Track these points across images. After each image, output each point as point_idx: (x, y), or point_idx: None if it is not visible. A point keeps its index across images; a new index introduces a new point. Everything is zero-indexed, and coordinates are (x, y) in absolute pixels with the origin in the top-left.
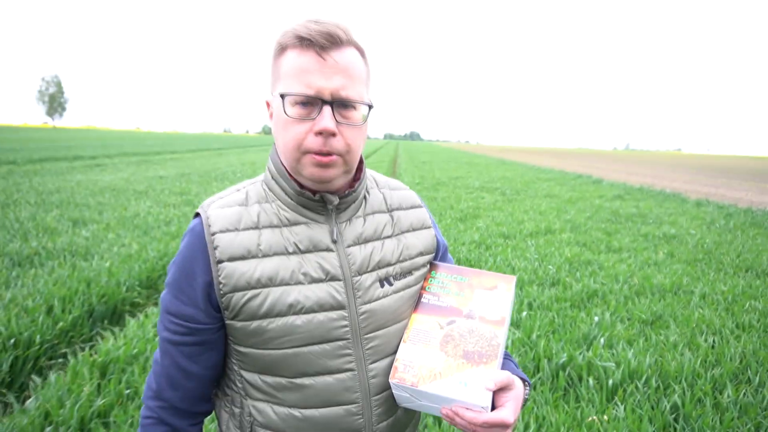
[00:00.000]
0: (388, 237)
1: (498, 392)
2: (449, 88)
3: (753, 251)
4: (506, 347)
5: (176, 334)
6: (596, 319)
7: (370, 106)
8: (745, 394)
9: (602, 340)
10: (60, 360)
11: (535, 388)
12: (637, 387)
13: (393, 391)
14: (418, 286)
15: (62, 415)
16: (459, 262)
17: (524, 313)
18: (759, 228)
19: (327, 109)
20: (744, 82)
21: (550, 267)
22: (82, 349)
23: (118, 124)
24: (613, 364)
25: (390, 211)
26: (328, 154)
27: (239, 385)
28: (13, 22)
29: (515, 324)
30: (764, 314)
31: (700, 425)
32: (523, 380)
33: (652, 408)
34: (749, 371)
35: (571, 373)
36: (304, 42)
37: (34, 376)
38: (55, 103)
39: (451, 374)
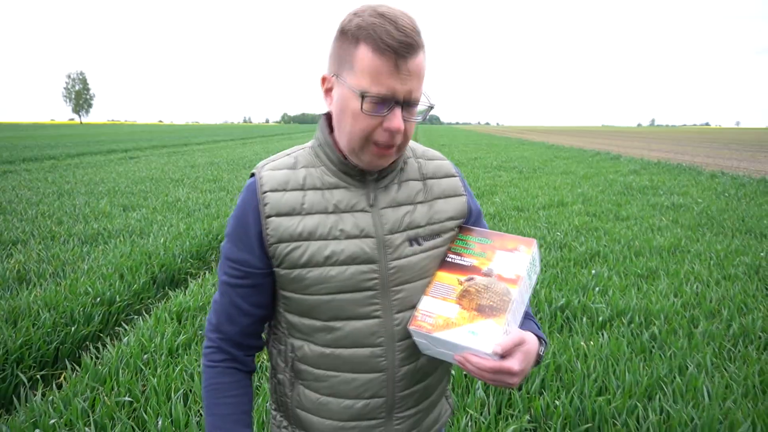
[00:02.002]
0: (420, 203)
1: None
2: (468, 69)
3: (756, 216)
4: (530, 307)
5: (233, 277)
6: (594, 272)
7: (432, 106)
8: (716, 326)
9: (597, 289)
10: (135, 316)
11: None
12: (622, 322)
13: (413, 338)
14: (446, 247)
15: (153, 347)
16: None
17: None
18: None
19: (398, 110)
20: None
21: (558, 233)
22: (150, 309)
23: (140, 118)
24: (604, 305)
25: (424, 179)
26: (390, 146)
27: (284, 326)
28: (36, 19)
29: None
30: (751, 267)
31: (671, 347)
32: (541, 338)
33: (634, 337)
34: (724, 310)
35: (568, 313)
36: (388, 49)
37: (122, 325)
38: (81, 99)
39: (464, 324)
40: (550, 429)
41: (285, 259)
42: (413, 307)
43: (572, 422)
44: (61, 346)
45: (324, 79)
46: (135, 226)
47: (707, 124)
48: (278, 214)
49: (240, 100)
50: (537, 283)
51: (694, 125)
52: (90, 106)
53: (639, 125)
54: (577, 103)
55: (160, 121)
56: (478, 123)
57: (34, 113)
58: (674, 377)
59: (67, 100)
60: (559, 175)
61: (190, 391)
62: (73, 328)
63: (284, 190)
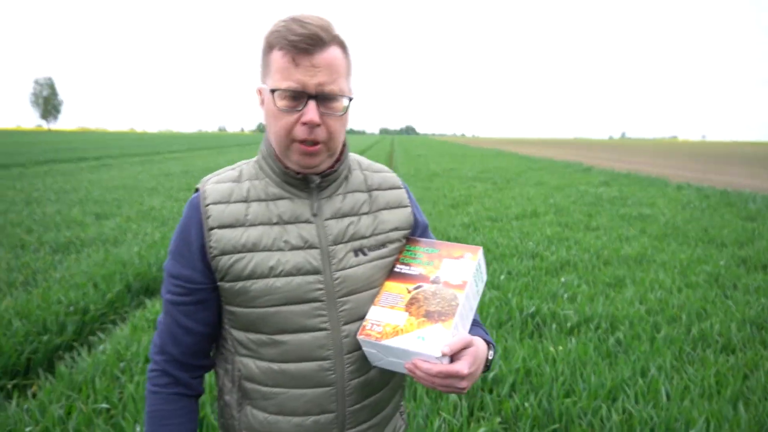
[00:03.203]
0: (365, 213)
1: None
2: (444, 81)
3: (718, 227)
4: (478, 315)
5: (177, 294)
6: (563, 280)
7: (351, 99)
8: (676, 331)
9: (566, 297)
10: (110, 325)
11: (507, 332)
12: (589, 328)
13: (363, 349)
14: (392, 257)
15: (130, 355)
16: (449, 240)
17: (502, 277)
18: (731, 207)
19: (312, 102)
20: (741, 68)
21: (531, 243)
22: (126, 318)
23: (111, 125)
24: (573, 312)
25: (369, 191)
26: (314, 143)
27: (230, 343)
28: (4, 23)
29: (495, 286)
30: (711, 275)
31: (635, 351)
32: (488, 343)
33: (600, 342)
34: (684, 316)
35: (538, 320)
36: (290, 45)
37: (97, 334)
38: (49, 105)
39: (412, 330)
40: (519, 430)
41: (229, 271)
42: (361, 318)
43: (540, 423)
44: (33, 356)
45: (259, 92)
46: (109, 235)
47: (675, 137)
48: (221, 226)
49: (214, 108)
50: (510, 291)
51: (663, 138)
52: (58, 112)
53: (610, 138)
54: (551, 115)
55: (132, 129)
56: (454, 134)
57: None
58: (637, 379)
59: (35, 106)
60: (532, 186)
61: None
62: (45, 337)
63: (227, 202)
